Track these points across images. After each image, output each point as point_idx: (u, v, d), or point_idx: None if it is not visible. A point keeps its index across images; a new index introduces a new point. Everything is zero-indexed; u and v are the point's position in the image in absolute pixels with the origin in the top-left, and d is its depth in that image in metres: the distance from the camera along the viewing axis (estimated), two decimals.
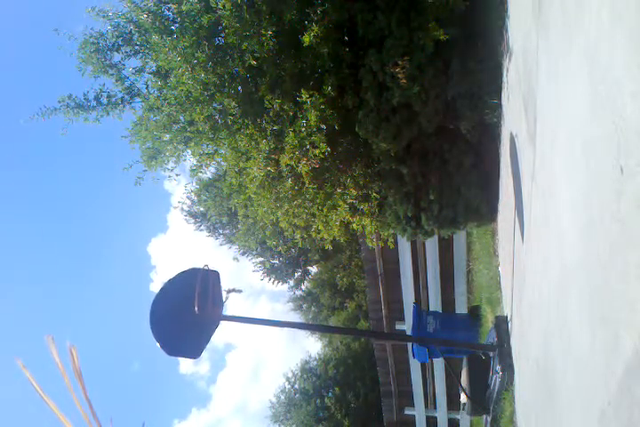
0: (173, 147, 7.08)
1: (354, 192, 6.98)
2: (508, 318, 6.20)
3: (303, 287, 26.52)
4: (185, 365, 55.94)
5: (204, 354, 5.09)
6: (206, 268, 5.08)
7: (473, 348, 7.59)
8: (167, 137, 7.01)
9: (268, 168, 6.64)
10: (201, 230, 20.96)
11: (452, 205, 6.79)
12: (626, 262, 2.00)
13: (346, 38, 6.62)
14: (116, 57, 7.12)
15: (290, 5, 6.11)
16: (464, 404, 7.43)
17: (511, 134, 5.38)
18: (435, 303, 11.21)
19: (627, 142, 2.01)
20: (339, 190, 6.98)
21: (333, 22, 6.18)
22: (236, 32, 6.05)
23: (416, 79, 6.06)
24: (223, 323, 5.14)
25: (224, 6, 5.96)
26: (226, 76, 6.40)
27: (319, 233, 7.31)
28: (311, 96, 6.05)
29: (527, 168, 4.48)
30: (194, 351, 5.05)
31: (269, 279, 21.74)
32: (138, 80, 7.34)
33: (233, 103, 6.45)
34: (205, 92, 6.37)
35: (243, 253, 19.56)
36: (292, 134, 6.17)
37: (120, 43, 6.98)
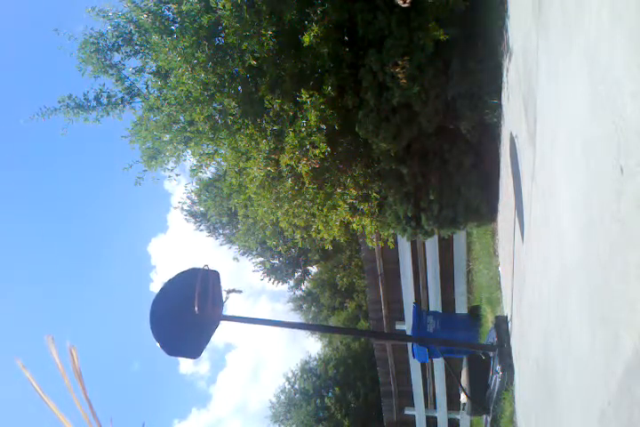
0: (173, 147, 7.08)
1: (354, 192, 6.98)
2: (508, 318, 6.20)
3: (303, 287, 26.52)
4: (185, 365, 55.96)
5: (204, 354, 5.10)
6: (206, 268, 5.08)
7: (473, 348, 7.59)
8: (167, 137, 7.01)
9: (268, 168, 6.64)
10: (201, 230, 20.96)
11: (451, 205, 6.79)
12: (626, 262, 2.00)
13: (346, 38, 6.62)
14: (116, 57, 7.12)
15: (290, 5, 6.11)
16: (464, 404, 7.43)
17: (511, 134, 5.38)
18: (435, 303, 11.21)
19: (627, 142, 2.01)
20: (339, 190, 6.98)
21: (333, 22, 6.18)
22: (236, 32, 6.05)
23: (416, 79, 6.06)
24: (223, 323, 5.14)
25: (224, 6, 5.96)
26: (226, 76, 6.40)
27: (319, 233, 7.31)
28: (311, 96, 6.05)
29: (527, 168, 4.48)
30: (194, 351, 5.05)
31: (269, 279, 21.73)
32: (138, 80, 7.34)
33: (233, 103, 6.45)
34: (205, 92, 6.37)
35: (243, 253, 19.55)
36: (292, 134, 6.17)
37: (120, 43, 6.98)
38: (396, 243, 9.28)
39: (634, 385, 1.90)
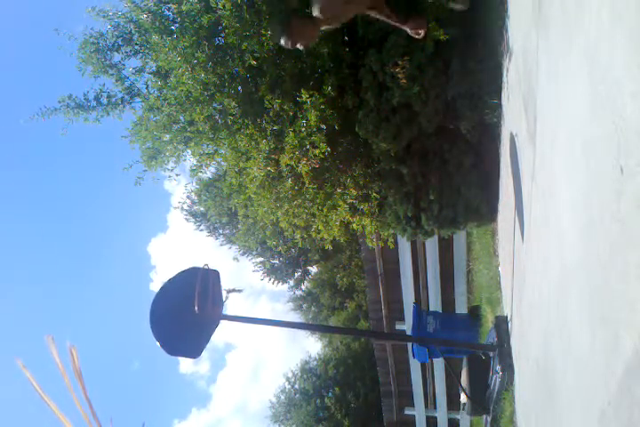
0: (173, 147, 7.08)
1: (354, 192, 6.98)
2: (508, 318, 6.19)
3: (303, 287, 26.52)
4: (185, 364, 56.05)
5: (204, 354, 5.10)
6: (206, 267, 5.08)
7: (473, 348, 7.59)
8: (167, 137, 7.01)
9: (268, 168, 6.64)
10: (201, 230, 20.96)
11: (452, 205, 6.79)
12: (626, 262, 2.00)
13: (346, 38, 6.62)
14: (116, 57, 7.12)
15: (290, 5, 6.10)
16: (464, 404, 7.43)
17: (511, 134, 5.38)
18: (435, 303, 11.21)
19: (627, 142, 2.01)
20: (339, 190, 6.98)
21: None
22: (236, 32, 6.05)
23: (416, 79, 6.07)
24: (223, 323, 5.14)
25: (224, 6, 5.95)
26: (226, 76, 6.40)
27: (319, 233, 7.31)
28: (311, 96, 6.05)
29: (527, 168, 4.48)
30: (194, 351, 5.05)
31: (269, 279, 21.74)
32: (138, 80, 7.34)
33: (233, 103, 6.44)
34: (205, 92, 6.37)
35: (243, 254, 19.56)
36: (292, 134, 6.17)
37: (120, 43, 6.98)
38: (396, 243, 9.28)
39: (634, 385, 1.90)
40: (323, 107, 6.07)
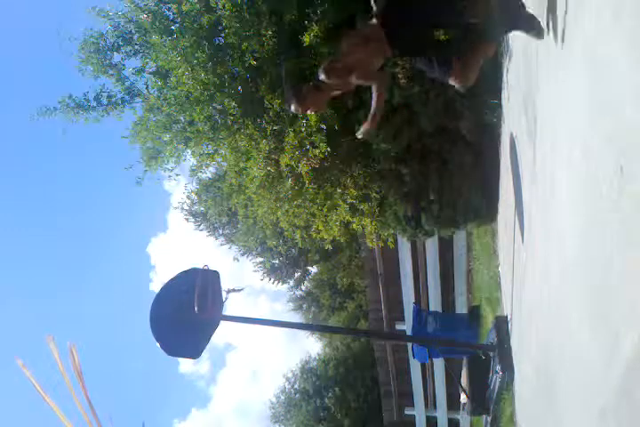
0: (173, 147, 7.08)
1: (354, 192, 6.98)
2: (508, 318, 6.19)
3: (303, 287, 26.51)
4: (185, 364, 56.01)
5: (204, 354, 5.09)
6: (206, 268, 5.08)
7: (473, 348, 7.59)
8: (167, 137, 7.01)
9: (268, 168, 6.65)
10: (201, 230, 20.94)
11: (451, 205, 6.79)
12: (626, 262, 2.00)
13: None
14: (116, 57, 7.13)
15: (290, 5, 6.11)
16: (464, 404, 7.43)
17: (511, 134, 5.38)
18: (435, 303, 11.20)
19: (627, 142, 2.01)
20: (339, 190, 6.99)
21: (333, 22, 6.18)
22: (236, 32, 6.05)
23: (416, 79, 6.07)
24: (223, 323, 5.14)
25: (224, 6, 5.96)
26: (226, 76, 6.40)
27: (319, 233, 7.32)
28: None
29: (527, 168, 4.48)
30: (194, 351, 5.05)
31: (269, 279, 21.73)
32: (138, 80, 7.35)
33: (233, 103, 6.45)
34: (205, 92, 6.37)
35: (243, 254, 19.54)
36: (292, 134, 6.17)
37: (120, 43, 6.99)
38: (395, 243, 9.28)
39: (634, 385, 1.90)
40: None
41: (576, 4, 2.79)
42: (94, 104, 7.25)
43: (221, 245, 20.99)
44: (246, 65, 6.28)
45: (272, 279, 21.77)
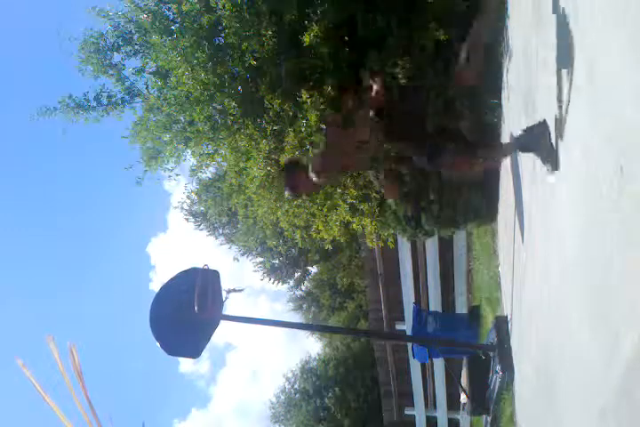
0: (173, 147, 7.08)
1: (354, 192, 6.98)
2: (508, 318, 6.19)
3: (303, 287, 26.51)
4: (185, 364, 55.98)
5: (204, 354, 5.09)
6: (206, 267, 5.08)
7: (473, 348, 7.59)
8: (167, 137, 7.01)
9: (268, 168, 6.65)
10: (201, 230, 20.94)
11: (451, 204, 6.79)
12: (626, 262, 2.00)
13: (346, 38, 6.62)
14: (116, 57, 7.14)
15: (290, 5, 6.11)
16: (464, 404, 7.43)
17: (511, 134, 5.38)
18: (435, 303, 11.20)
19: (627, 142, 2.01)
20: (339, 190, 6.98)
21: (333, 22, 6.18)
22: (236, 32, 6.05)
23: (416, 79, 6.07)
24: (223, 323, 5.14)
25: (224, 6, 5.96)
26: (226, 76, 6.40)
27: (319, 233, 7.32)
28: (311, 96, 6.05)
29: (527, 168, 4.48)
30: (194, 351, 5.05)
31: (269, 279, 21.73)
32: (138, 80, 7.35)
33: (233, 103, 6.45)
34: (205, 92, 6.37)
35: (243, 254, 19.54)
36: (292, 134, 6.18)
37: (120, 43, 6.99)
38: (395, 243, 9.28)
39: (634, 385, 1.90)
40: (323, 107, 6.06)
41: (575, 5, 2.79)
42: (94, 104, 7.26)
43: (221, 245, 20.99)
44: (246, 65, 6.28)
45: (272, 279, 21.77)
